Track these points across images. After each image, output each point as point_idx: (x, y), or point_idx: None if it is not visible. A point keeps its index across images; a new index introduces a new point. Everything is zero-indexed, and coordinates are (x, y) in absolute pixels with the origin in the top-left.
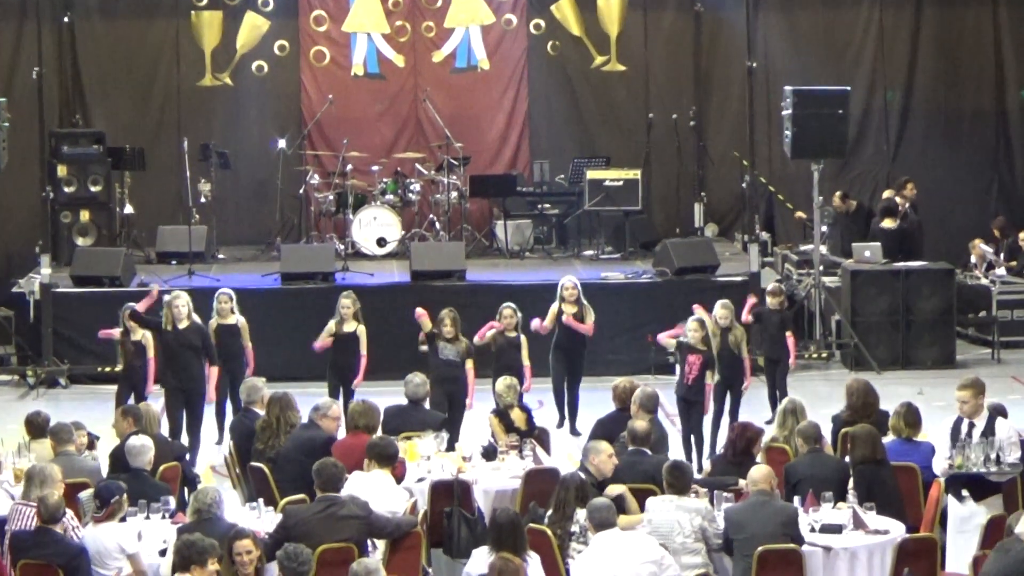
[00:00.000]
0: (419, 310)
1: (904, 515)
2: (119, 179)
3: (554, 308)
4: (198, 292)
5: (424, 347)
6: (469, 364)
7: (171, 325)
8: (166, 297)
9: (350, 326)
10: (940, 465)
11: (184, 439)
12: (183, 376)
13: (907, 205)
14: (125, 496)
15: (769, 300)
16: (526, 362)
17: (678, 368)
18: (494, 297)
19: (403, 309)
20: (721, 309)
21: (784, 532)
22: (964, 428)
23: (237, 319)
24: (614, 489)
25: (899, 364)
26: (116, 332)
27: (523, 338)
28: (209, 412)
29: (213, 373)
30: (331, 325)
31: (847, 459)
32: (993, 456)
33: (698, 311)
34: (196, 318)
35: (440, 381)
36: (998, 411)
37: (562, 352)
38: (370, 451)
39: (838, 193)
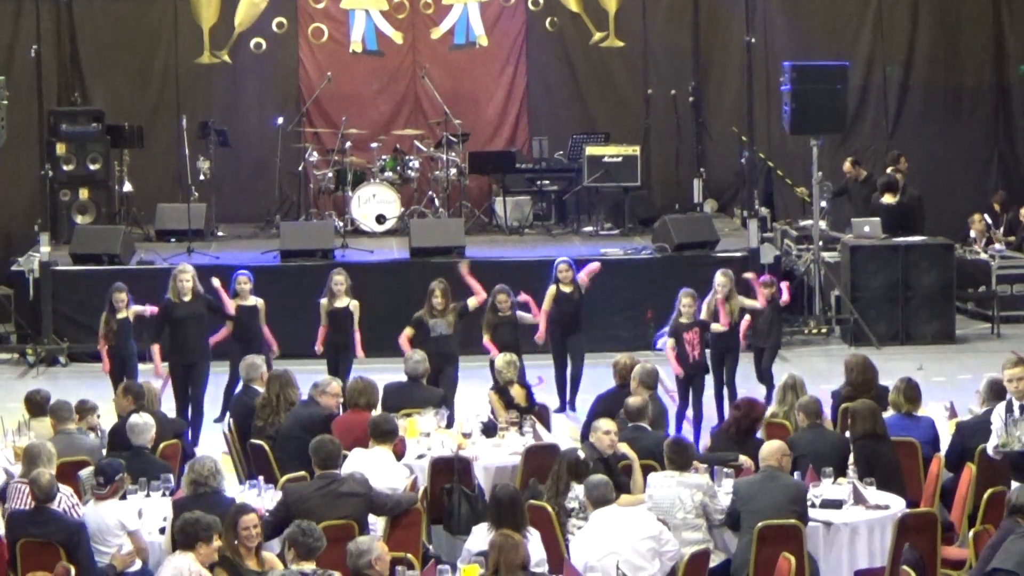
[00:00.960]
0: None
1: (904, 490)
2: (118, 157)
3: (552, 291)
4: (198, 270)
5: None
6: (472, 302)
7: (176, 298)
8: (172, 270)
9: (342, 301)
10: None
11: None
12: (188, 349)
13: (903, 180)
14: (126, 473)
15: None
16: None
17: (672, 351)
18: (494, 273)
19: (402, 286)
20: (721, 277)
21: (792, 508)
22: (1016, 409)
23: (256, 300)
24: (624, 447)
25: (899, 339)
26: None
27: (519, 314)
28: (216, 390)
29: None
30: (325, 303)
31: (847, 434)
32: None
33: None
34: (200, 289)
35: (431, 356)
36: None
37: (559, 329)
38: (369, 429)
39: (850, 159)
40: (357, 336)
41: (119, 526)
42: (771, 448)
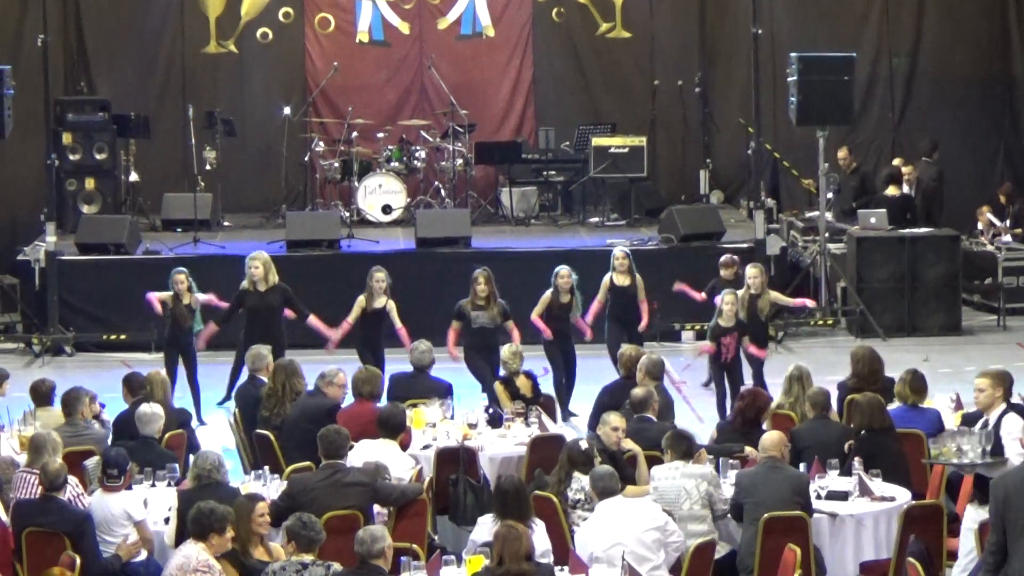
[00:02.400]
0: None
1: (909, 482)
2: (124, 146)
3: (606, 280)
4: (204, 260)
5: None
6: (510, 324)
7: (252, 287)
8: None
9: (380, 302)
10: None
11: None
12: (264, 337)
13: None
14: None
15: (723, 272)
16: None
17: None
18: (500, 264)
19: (409, 277)
20: (751, 268)
21: (795, 499)
22: (979, 424)
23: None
24: (628, 443)
25: (905, 331)
26: (162, 296)
27: (575, 298)
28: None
29: (315, 321)
30: (361, 300)
31: (852, 426)
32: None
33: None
34: (275, 279)
35: (478, 350)
36: (1016, 408)
37: (619, 323)
38: (377, 422)
39: (846, 147)
40: (403, 333)
41: (125, 516)
42: (772, 439)
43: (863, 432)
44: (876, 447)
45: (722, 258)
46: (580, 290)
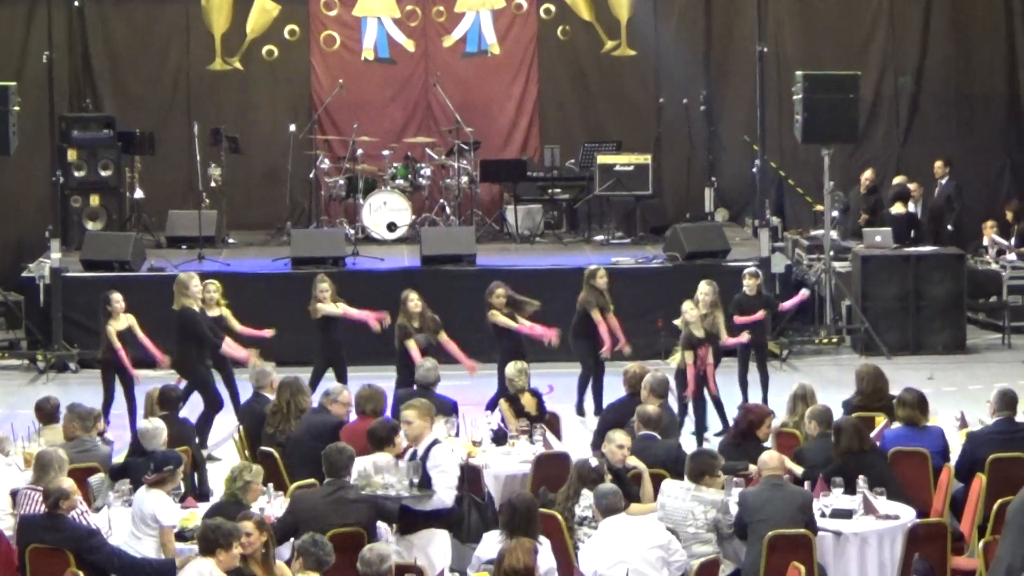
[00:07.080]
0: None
1: (906, 499)
2: (129, 163)
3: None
4: (209, 277)
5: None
6: (443, 336)
7: (201, 307)
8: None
9: (327, 307)
10: None
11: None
12: (208, 357)
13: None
14: (180, 470)
15: (747, 282)
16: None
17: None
18: (505, 282)
19: None
20: (706, 286)
21: (800, 516)
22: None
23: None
24: (633, 460)
25: (909, 349)
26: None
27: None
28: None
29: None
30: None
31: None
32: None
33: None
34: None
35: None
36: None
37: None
38: (367, 437)
39: (871, 169)
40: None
41: (152, 518)
42: (773, 457)
43: (848, 455)
44: (863, 467)
45: (747, 270)
46: None
